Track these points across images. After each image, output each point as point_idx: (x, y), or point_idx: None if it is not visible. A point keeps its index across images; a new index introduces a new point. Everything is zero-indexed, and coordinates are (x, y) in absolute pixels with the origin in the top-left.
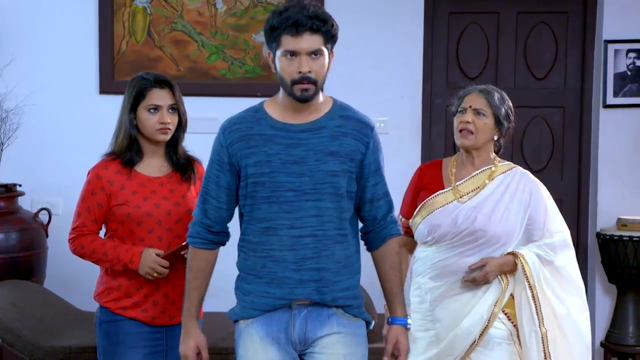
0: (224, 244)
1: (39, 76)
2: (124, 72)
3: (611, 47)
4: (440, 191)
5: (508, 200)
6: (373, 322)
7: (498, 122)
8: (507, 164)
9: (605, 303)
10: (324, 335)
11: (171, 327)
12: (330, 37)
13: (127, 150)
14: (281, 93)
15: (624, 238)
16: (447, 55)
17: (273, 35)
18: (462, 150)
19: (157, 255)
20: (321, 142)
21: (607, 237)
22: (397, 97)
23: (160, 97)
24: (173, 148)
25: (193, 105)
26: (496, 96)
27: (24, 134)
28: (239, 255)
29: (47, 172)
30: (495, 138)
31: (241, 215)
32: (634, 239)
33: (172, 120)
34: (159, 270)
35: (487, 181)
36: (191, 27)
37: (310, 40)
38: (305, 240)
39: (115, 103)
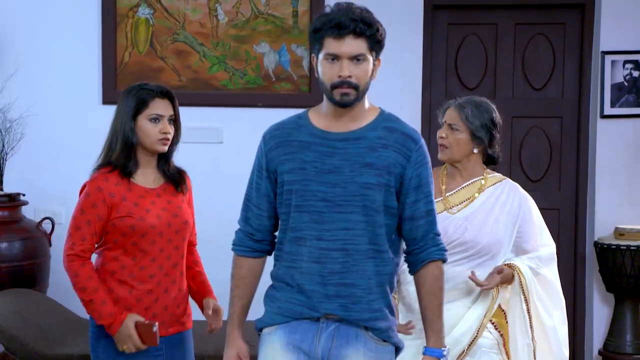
0: (269, 253)
1: (42, 87)
2: (127, 82)
3: (608, 58)
4: None
5: (498, 212)
6: (404, 347)
7: (474, 135)
8: (497, 175)
9: (603, 312)
10: (348, 355)
11: (169, 337)
12: (375, 43)
13: (126, 159)
14: (324, 100)
15: (622, 247)
16: (446, 66)
17: (316, 37)
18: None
19: (136, 322)
20: (358, 152)
21: (605, 246)
22: (397, 107)
23: (162, 107)
24: (165, 160)
25: (195, 116)
26: (469, 110)
27: (28, 143)
28: (274, 265)
29: (50, 181)
30: (475, 151)
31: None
32: (632, 248)
33: (171, 131)
34: (129, 346)
35: (477, 194)
36: (193, 38)
37: (352, 44)
38: (334, 253)
39: None
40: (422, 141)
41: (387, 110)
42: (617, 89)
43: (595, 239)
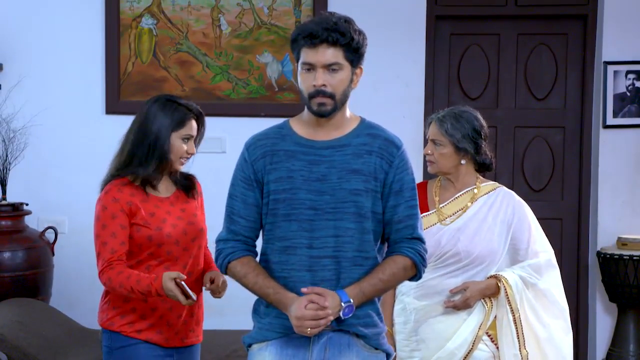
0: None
1: (45, 97)
2: (130, 92)
3: (610, 69)
4: (424, 213)
5: (491, 221)
6: (394, 354)
7: (457, 147)
8: (491, 184)
9: (606, 322)
10: None
11: (181, 348)
12: (352, 52)
13: (156, 174)
14: (306, 109)
15: (624, 257)
16: (448, 76)
17: (294, 48)
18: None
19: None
20: (344, 159)
21: (608, 256)
22: (399, 117)
23: (194, 128)
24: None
25: None
26: (449, 124)
27: (31, 153)
28: None
29: (53, 191)
30: (463, 162)
31: (262, 234)
32: (634, 257)
33: (195, 152)
34: (179, 285)
35: (469, 203)
36: (196, 48)
37: (326, 53)
38: (324, 261)
39: (120, 123)
40: (404, 147)
41: (390, 120)
42: (620, 99)
43: (598, 248)
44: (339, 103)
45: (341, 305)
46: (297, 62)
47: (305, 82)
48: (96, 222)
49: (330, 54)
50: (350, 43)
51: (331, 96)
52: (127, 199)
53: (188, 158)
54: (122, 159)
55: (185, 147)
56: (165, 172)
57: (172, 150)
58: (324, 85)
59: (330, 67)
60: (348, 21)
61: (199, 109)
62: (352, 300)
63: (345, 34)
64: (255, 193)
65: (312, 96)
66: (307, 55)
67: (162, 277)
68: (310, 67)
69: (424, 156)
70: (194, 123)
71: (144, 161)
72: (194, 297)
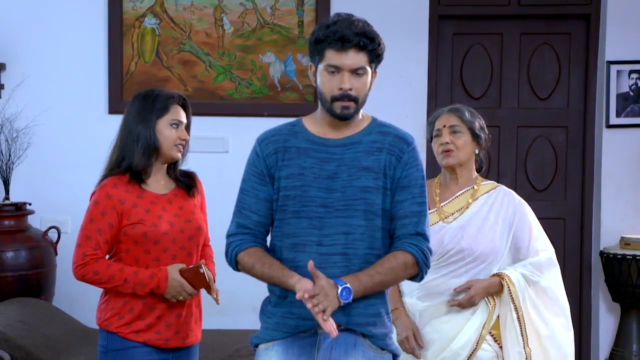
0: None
1: (49, 96)
2: (133, 92)
3: (614, 68)
4: None
5: (493, 220)
6: (400, 355)
7: (475, 135)
8: (491, 183)
9: (609, 321)
10: None
11: (179, 351)
12: (375, 57)
13: (146, 163)
14: (319, 109)
15: (628, 257)
16: (451, 76)
17: (317, 48)
18: (445, 171)
19: (180, 270)
20: (355, 157)
21: (611, 255)
22: (402, 117)
23: (181, 114)
24: (173, 166)
25: (200, 125)
26: (466, 112)
27: (34, 153)
28: None
29: (56, 191)
30: (477, 152)
31: (271, 231)
32: (637, 257)
33: (188, 138)
34: (184, 295)
35: (470, 201)
36: (199, 47)
37: (355, 57)
38: (334, 258)
39: None
40: (415, 144)
41: (393, 119)
42: (623, 98)
43: (601, 248)
44: (360, 107)
45: (337, 286)
46: (317, 61)
47: (328, 84)
48: (86, 214)
49: (359, 58)
50: (376, 49)
51: (355, 100)
52: (121, 196)
53: (183, 145)
54: (114, 158)
55: (175, 133)
56: (160, 162)
57: (162, 138)
58: (350, 89)
59: (356, 71)
60: (369, 25)
61: (182, 95)
62: (348, 284)
63: (374, 40)
64: (267, 188)
65: (336, 99)
66: (333, 57)
67: (167, 269)
68: (336, 70)
69: (427, 154)
70: (179, 109)
71: (132, 153)
72: (207, 282)
